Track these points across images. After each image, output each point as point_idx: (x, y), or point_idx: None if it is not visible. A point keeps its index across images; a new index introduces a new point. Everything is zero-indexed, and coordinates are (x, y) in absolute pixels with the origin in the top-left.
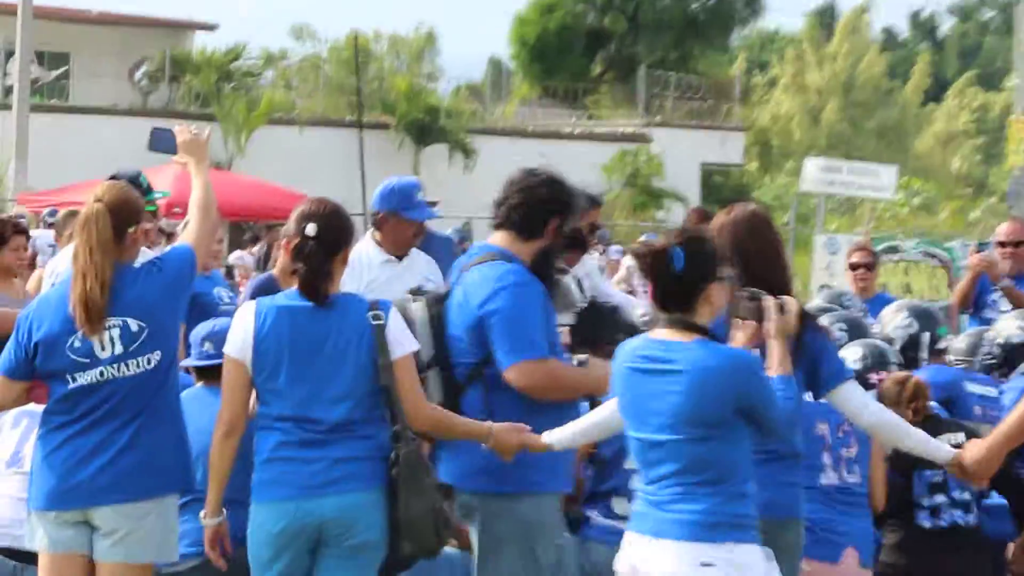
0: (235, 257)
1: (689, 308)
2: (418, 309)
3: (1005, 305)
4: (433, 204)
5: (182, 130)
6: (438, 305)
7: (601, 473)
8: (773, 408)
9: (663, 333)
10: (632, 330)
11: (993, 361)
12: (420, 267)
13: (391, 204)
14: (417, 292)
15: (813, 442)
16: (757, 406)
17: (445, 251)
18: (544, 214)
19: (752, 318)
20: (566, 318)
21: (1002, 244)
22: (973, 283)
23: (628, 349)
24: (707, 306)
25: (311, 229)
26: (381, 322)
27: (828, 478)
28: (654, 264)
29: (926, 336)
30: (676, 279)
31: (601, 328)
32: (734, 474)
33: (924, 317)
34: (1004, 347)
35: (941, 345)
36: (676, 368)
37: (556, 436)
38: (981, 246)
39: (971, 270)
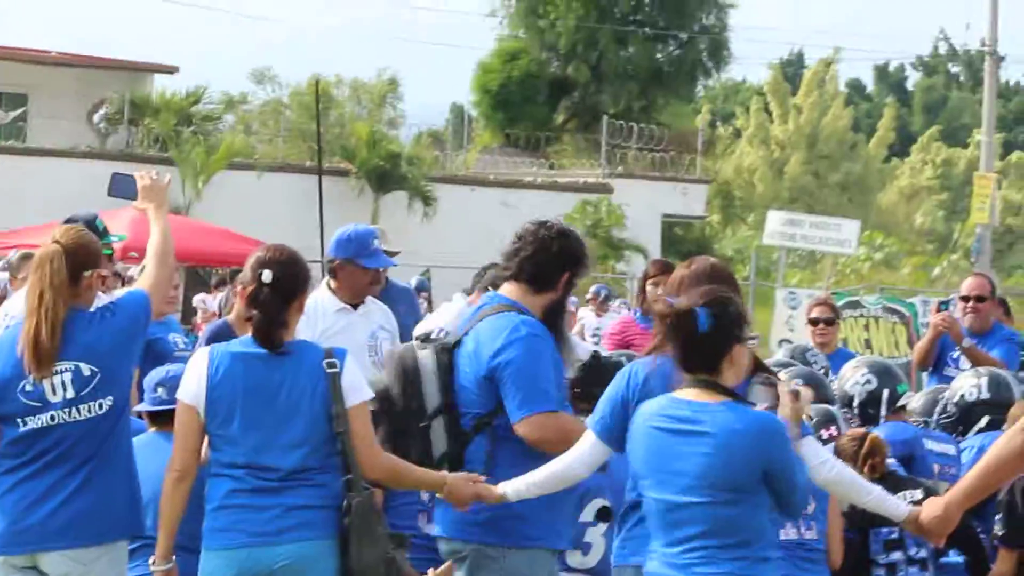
0: (198, 300)
1: (714, 369)
2: (427, 357)
3: (966, 363)
4: (394, 254)
5: (142, 175)
6: (447, 354)
7: None
8: (797, 475)
9: (689, 394)
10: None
11: (950, 420)
12: (376, 316)
13: (347, 252)
14: (426, 339)
15: None
16: (783, 472)
17: (404, 301)
18: (557, 267)
19: (766, 402)
20: (569, 372)
21: (964, 299)
22: (933, 343)
23: (651, 408)
24: (731, 368)
25: (267, 276)
26: (336, 370)
27: (786, 533)
28: (678, 325)
29: (885, 393)
30: (701, 340)
31: (604, 382)
32: (759, 539)
33: (884, 374)
34: (960, 405)
35: (901, 402)
36: (703, 430)
37: (512, 487)
38: (943, 305)
39: (932, 329)
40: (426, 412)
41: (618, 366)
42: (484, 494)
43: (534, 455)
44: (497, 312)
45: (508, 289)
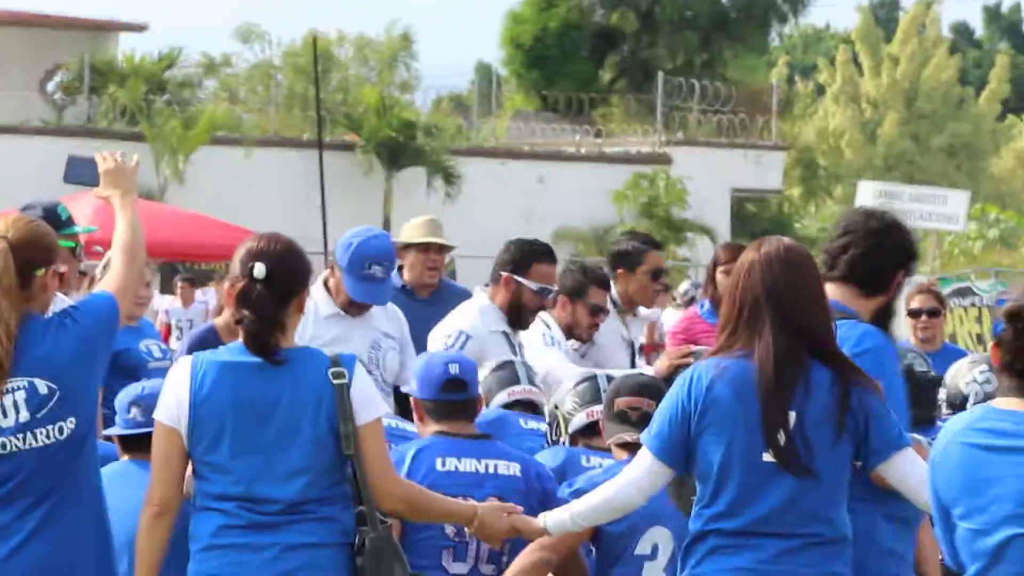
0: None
1: None
2: None
3: None
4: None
5: (104, 156)
6: None
7: (606, 557)
8: None
9: (1011, 403)
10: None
11: None
12: (379, 322)
13: (341, 261)
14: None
15: None
16: None
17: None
18: (891, 266)
19: None
20: None
21: None
22: None
23: (963, 421)
24: None
25: (259, 270)
26: (344, 381)
27: None
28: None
29: None
30: None
31: (923, 402)
32: None
33: None
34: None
35: None
36: None
37: (552, 519)
38: None
39: None
40: None
41: (936, 383)
42: (521, 527)
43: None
44: (833, 320)
45: (834, 291)
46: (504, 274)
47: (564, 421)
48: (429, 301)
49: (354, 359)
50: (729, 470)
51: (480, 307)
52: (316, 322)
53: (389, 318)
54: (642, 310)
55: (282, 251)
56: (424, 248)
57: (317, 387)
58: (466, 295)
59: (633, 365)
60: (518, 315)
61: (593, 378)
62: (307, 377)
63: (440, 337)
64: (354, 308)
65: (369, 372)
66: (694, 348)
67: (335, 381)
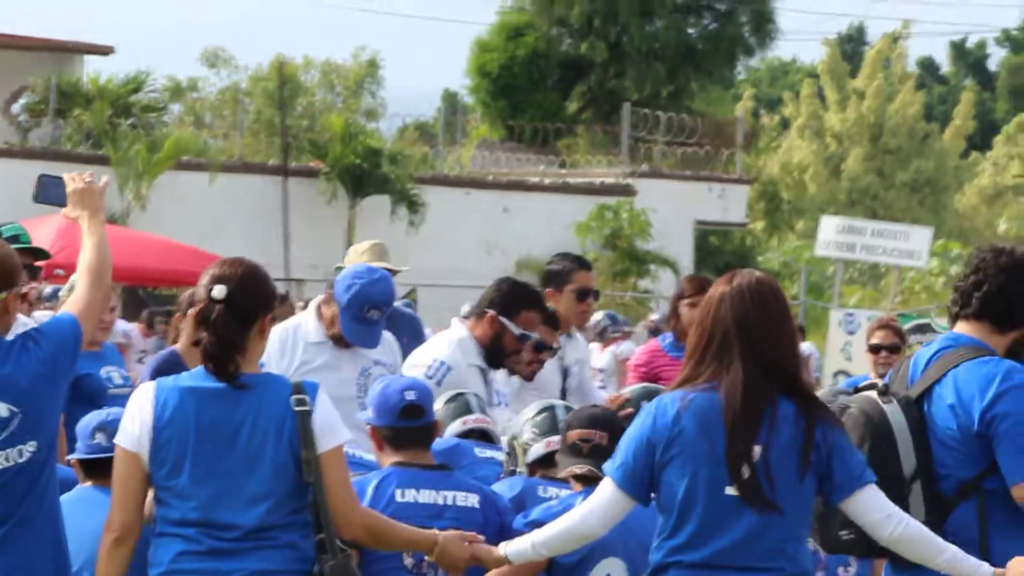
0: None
1: None
2: (895, 412)
3: None
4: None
5: (74, 177)
6: (914, 408)
7: None
8: None
9: None
10: None
11: None
12: (368, 350)
13: (339, 297)
14: (885, 392)
15: None
16: None
17: (408, 331)
18: None
19: None
20: None
21: None
22: None
23: None
24: None
25: (218, 291)
26: (306, 408)
27: None
28: None
29: None
30: None
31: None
32: None
33: None
34: None
35: None
36: None
37: (513, 548)
38: None
39: None
40: (903, 477)
41: None
42: (482, 556)
43: None
44: (973, 357)
45: (967, 328)
46: (490, 312)
47: (522, 451)
48: None
49: (316, 387)
50: (692, 502)
51: (459, 338)
52: (306, 348)
53: (382, 345)
54: (579, 340)
55: (244, 274)
56: None
57: (279, 413)
58: (413, 320)
59: (563, 388)
60: (494, 354)
61: (551, 408)
62: (269, 403)
63: (419, 367)
64: (343, 341)
65: (358, 397)
66: (630, 394)
67: (297, 408)
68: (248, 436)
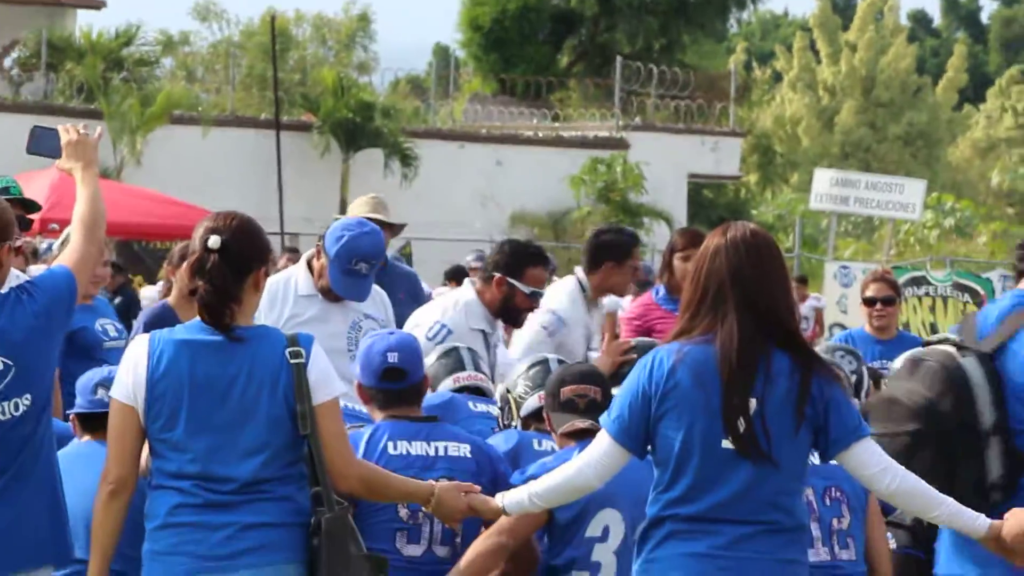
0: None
1: None
2: (973, 366)
3: None
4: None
5: (67, 129)
6: (990, 362)
7: (557, 542)
8: None
9: None
10: None
11: None
12: (359, 304)
13: (329, 249)
14: (961, 346)
15: None
16: None
17: (405, 286)
18: None
19: None
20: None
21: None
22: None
23: None
24: None
25: (214, 241)
26: (301, 360)
27: (818, 554)
28: None
29: None
30: None
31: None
32: None
33: None
34: None
35: None
36: None
37: (510, 499)
38: None
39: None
40: (981, 432)
41: (865, 380)
42: (478, 506)
43: None
44: None
45: None
46: (497, 275)
47: (516, 405)
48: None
49: (311, 339)
50: (688, 456)
51: (466, 301)
52: (296, 301)
53: (373, 300)
54: (604, 300)
55: (238, 226)
56: None
57: (274, 366)
58: (410, 276)
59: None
60: (510, 314)
61: (544, 362)
62: (264, 356)
63: (421, 326)
64: (332, 294)
65: (349, 349)
66: (634, 343)
67: (292, 360)
68: (243, 389)
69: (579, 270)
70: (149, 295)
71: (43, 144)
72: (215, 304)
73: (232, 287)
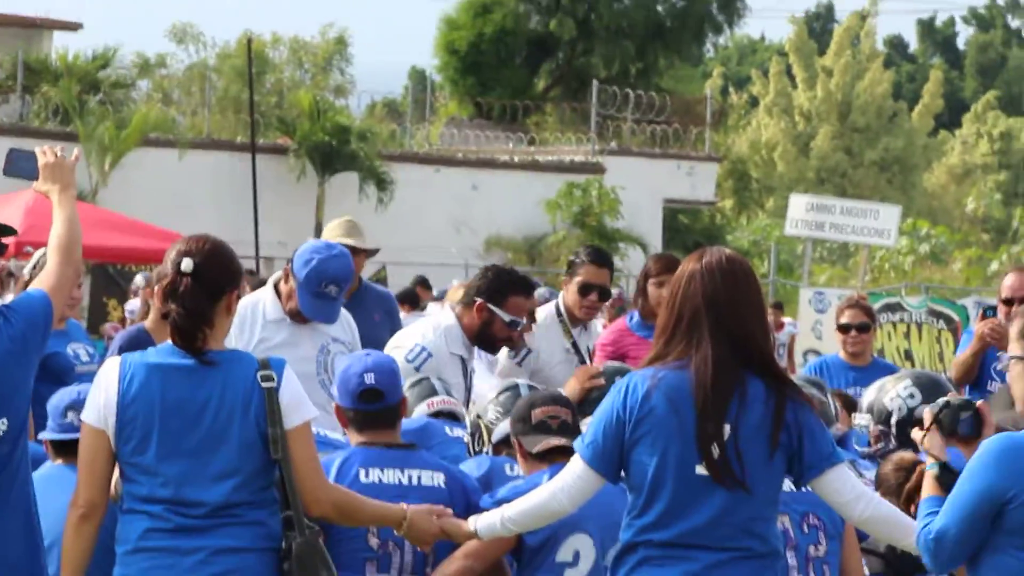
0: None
1: None
2: None
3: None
4: (370, 252)
5: (45, 151)
6: None
7: (526, 567)
8: None
9: None
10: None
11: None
12: (326, 327)
13: (298, 272)
14: None
15: None
16: None
17: (381, 308)
18: None
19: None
20: None
21: (1007, 302)
22: (978, 356)
23: None
24: None
25: (187, 264)
26: (273, 384)
27: None
28: None
29: None
30: None
31: None
32: None
33: (931, 388)
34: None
35: None
36: None
37: (483, 522)
38: (989, 310)
39: (977, 340)
40: None
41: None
42: (451, 530)
43: None
44: None
45: None
46: (478, 300)
47: (487, 431)
48: (349, 304)
49: (283, 363)
50: (662, 481)
51: (445, 326)
52: (264, 325)
53: (340, 322)
54: (593, 332)
55: (210, 249)
56: None
57: (246, 390)
58: (386, 297)
59: None
60: (487, 341)
61: (515, 387)
62: (236, 379)
63: (401, 348)
64: (300, 318)
65: (319, 374)
66: (603, 368)
67: (264, 384)
68: (214, 413)
69: (561, 295)
70: (131, 307)
71: (20, 166)
72: (187, 328)
73: (205, 310)
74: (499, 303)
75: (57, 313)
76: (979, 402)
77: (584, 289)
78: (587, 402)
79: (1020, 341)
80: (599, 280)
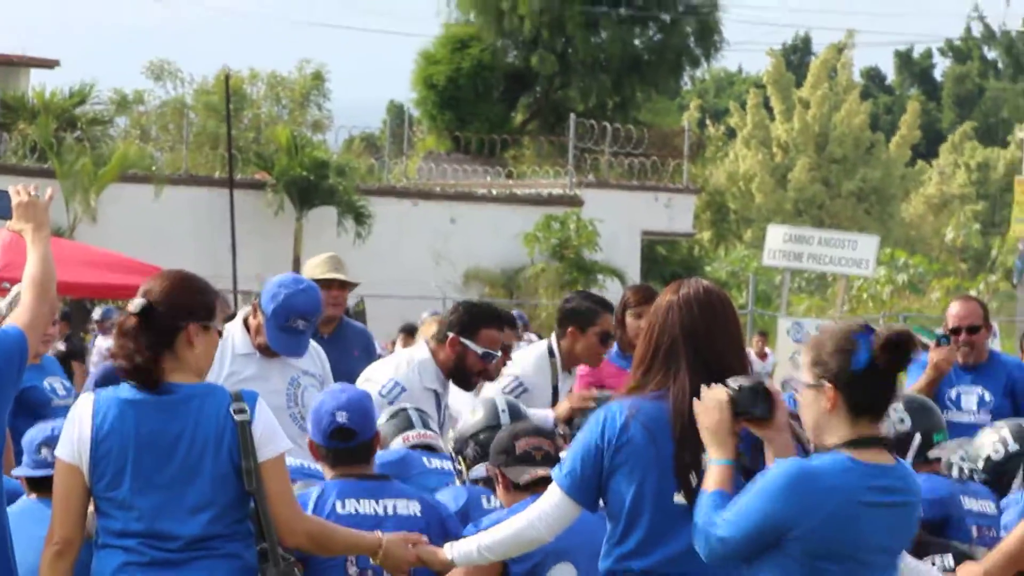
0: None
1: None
2: None
3: (968, 403)
4: (351, 285)
5: (19, 190)
6: None
7: None
8: None
9: (876, 456)
10: None
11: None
12: (296, 360)
13: (266, 305)
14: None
15: None
16: None
17: (360, 344)
18: None
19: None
20: None
21: (955, 331)
22: (933, 384)
23: (853, 480)
24: None
25: (134, 305)
26: (246, 417)
27: None
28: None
29: (918, 437)
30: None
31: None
32: None
33: (921, 413)
34: (989, 469)
35: (934, 453)
36: (910, 500)
37: (459, 549)
38: (942, 339)
39: (933, 369)
40: None
41: None
42: (427, 557)
43: None
44: None
45: None
46: (451, 335)
47: (465, 466)
48: (330, 340)
49: (256, 396)
50: (640, 510)
51: (420, 360)
52: (233, 359)
53: (310, 355)
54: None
55: (170, 283)
56: (326, 285)
57: (219, 423)
58: (364, 333)
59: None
60: (461, 376)
61: (496, 427)
62: (208, 413)
63: (375, 383)
64: (269, 351)
65: (288, 407)
66: (597, 393)
67: (237, 417)
68: (188, 446)
69: (553, 336)
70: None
71: None
72: (132, 363)
73: (153, 347)
74: (472, 336)
75: (32, 350)
76: (769, 383)
77: (605, 337)
78: (570, 424)
79: (812, 369)
80: (611, 326)
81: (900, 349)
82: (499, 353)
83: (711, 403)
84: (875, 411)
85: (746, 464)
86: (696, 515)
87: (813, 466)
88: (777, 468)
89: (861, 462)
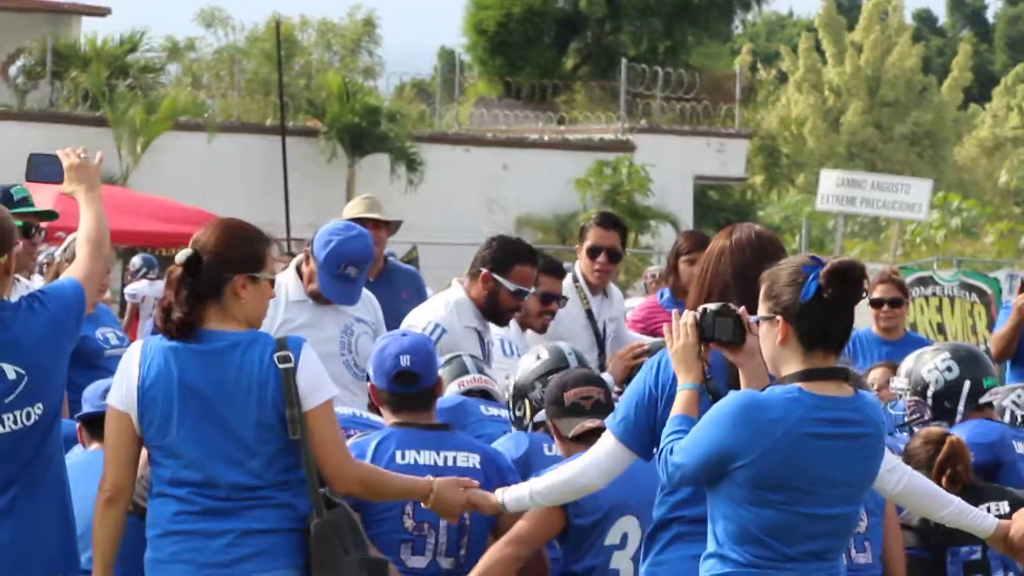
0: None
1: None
2: None
3: None
4: (392, 224)
5: (67, 153)
6: None
7: (575, 549)
8: None
9: (828, 387)
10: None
11: None
12: (350, 307)
13: (317, 254)
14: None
15: None
16: None
17: (410, 286)
18: None
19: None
20: None
21: None
22: (1017, 329)
23: (798, 411)
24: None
25: (180, 256)
26: (290, 365)
27: None
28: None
29: (967, 384)
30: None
31: None
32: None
33: (969, 361)
34: None
35: (985, 398)
36: (865, 431)
37: (511, 495)
38: None
39: (1016, 312)
40: None
41: None
42: (478, 502)
43: None
44: None
45: None
46: (483, 271)
47: (531, 408)
48: (375, 283)
49: (301, 342)
50: None
51: (456, 300)
52: (287, 306)
53: (363, 303)
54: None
55: (216, 237)
56: (361, 224)
57: (262, 371)
58: (414, 275)
59: (600, 346)
60: (494, 313)
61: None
62: (251, 361)
63: (415, 327)
64: (322, 299)
65: (342, 354)
66: (648, 344)
67: (281, 365)
68: (231, 394)
69: (577, 264)
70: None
71: (43, 171)
72: (174, 316)
73: (197, 297)
74: (504, 272)
75: (89, 300)
76: (740, 309)
77: (592, 251)
78: (630, 380)
79: (765, 302)
80: (607, 242)
81: (847, 280)
82: (531, 290)
83: (679, 328)
84: (828, 343)
85: (715, 389)
86: (661, 439)
87: (761, 397)
88: (729, 398)
89: (810, 393)
